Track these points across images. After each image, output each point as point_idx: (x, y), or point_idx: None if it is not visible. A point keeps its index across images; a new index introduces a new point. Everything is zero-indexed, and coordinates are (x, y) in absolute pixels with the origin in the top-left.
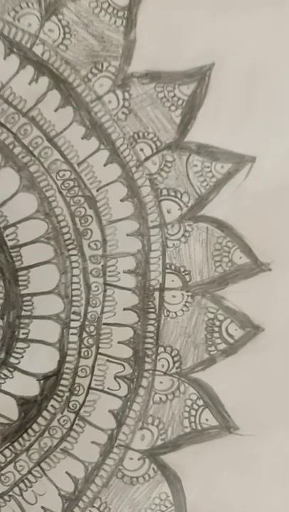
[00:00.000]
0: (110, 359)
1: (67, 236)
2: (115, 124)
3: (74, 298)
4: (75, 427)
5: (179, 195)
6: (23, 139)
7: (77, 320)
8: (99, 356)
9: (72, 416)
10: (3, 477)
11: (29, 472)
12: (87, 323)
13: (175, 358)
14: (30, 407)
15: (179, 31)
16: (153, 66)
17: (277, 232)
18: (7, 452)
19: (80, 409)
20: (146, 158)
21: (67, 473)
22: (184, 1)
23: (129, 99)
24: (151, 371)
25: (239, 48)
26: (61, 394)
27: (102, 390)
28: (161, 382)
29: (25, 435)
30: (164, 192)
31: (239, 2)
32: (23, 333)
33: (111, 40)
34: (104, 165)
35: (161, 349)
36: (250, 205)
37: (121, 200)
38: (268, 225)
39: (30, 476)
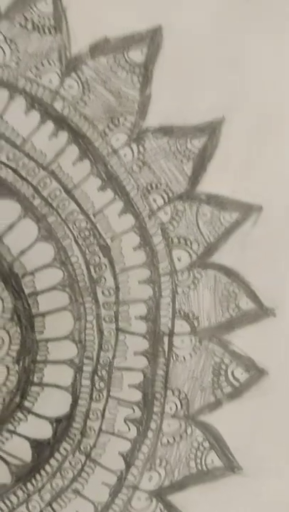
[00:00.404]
0: (121, 402)
1: (82, 283)
2: (130, 176)
3: (87, 343)
4: (85, 468)
5: (189, 244)
6: (42, 191)
7: (90, 364)
8: (110, 400)
9: (83, 458)
10: None
11: None
12: (99, 367)
13: (183, 401)
14: (43, 449)
15: (191, 87)
16: (166, 121)
17: (282, 279)
18: (20, 493)
19: (90, 451)
20: (159, 208)
21: None
22: (195, 58)
23: (144, 153)
24: (160, 414)
25: (247, 103)
26: (73, 436)
27: (112, 433)
28: (168, 425)
29: (37, 476)
30: (175, 240)
31: (247, 60)
32: (37, 378)
33: (127, 96)
34: (119, 215)
35: (169, 392)
36: (257, 252)
37: (134, 249)
38: (274, 272)
39: None
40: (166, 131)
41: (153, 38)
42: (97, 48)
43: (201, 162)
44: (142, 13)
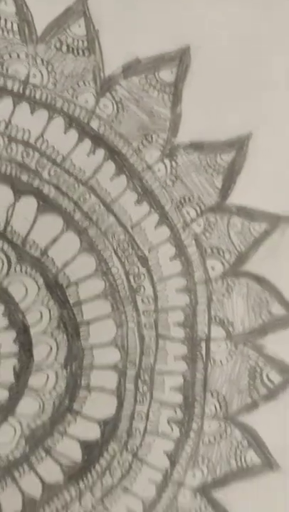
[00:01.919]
0: (163, 405)
1: (122, 293)
2: (164, 189)
3: (129, 349)
4: (133, 466)
5: (221, 253)
6: (82, 206)
7: (133, 369)
8: (153, 402)
9: (130, 457)
10: None
11: (93, 509)
12: (141, 371)
13: (222, 403)
14: (92, 450)
15: (219, 105)
16: (197, 137)
17: None
18: (72, 491)
19: (137, 450)
20: (192, 220)
21: (127, 509)
22: (223, 78)
23: (176, 167)
24: (200, 416)
25: (272, 120)
26: (120, 437)
27: (156, 433)
28: (209, 426)
29: (88, 475)
30: (208, 250)
31: (273, 80)
32: (84, 382)
33: (159, 115)
34: (155, 227)
35: (208, 394)
36: (285, 260)
37: (170, 259)
38: None
39: None
40: (196, 146)
41: (182, 58)
42: (129, 69)
43: (231, 175)
44: (171, 34)
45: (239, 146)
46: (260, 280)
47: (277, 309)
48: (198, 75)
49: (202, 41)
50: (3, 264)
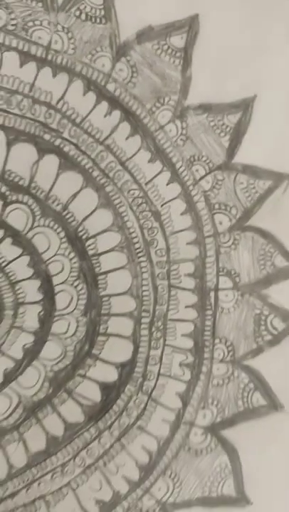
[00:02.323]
0: (175, 349)
1: (137, 245)
2: (175, 149)
3: (144, 298)
4: (148, 407)
5: (228, 209)
6: (100, 164)
7: (147, 317)
8: (166, 347)
9: (145, 398)
10: (89, 451)
11: (111, 447)
12: (155, 319)
13: (229, 348)
14: (110, 391)
15: (226, 69)
16: (205, 99)
17: None
18: (92, 430)
19: (151, 392)
20: (201, 178)
21: (142, 447)
22: (229, 43)
23: (186, 128)
24: (210, 359)
25: (277, 82)
26: (136, 379)
27: (169, 376)
28: (218, 369)
29: (106, 415)
30: (216, 206)
31: (274, 44)
32: (102, 328)
33: (171, 78)
34: (167, 184)
35: (217, 340)
36: (288, 215)
37: (181, 214)
38: None
39: (112, 450)
40: (205, 108)
41: (191, 26)
42: (143, 35)
43: (237, 136)
44: (182, 3)
45: (244, 107)
46: (264, 234)
47: (280, 261)
48: (207, 41)
49: (209, 10)
50: (28, 217)
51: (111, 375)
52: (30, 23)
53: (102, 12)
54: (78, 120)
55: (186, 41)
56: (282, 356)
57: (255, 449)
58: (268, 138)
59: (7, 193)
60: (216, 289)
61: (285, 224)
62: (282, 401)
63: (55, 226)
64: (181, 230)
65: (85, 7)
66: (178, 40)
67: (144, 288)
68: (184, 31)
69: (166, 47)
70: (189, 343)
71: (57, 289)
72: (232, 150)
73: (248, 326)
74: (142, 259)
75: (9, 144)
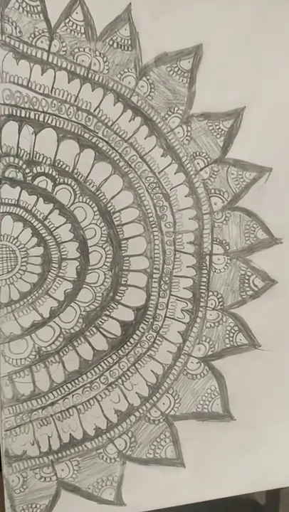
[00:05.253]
0: (178, 299)
1: (151, 219)
2: (182, 147)
3: (155, 259)
4: (156, 341)
5: (221, 193)
6: (125, 157)
7: (157, 273)
8: (171, 297)
9: (154, 334)
10: (111, 372)
11: (128, 370)
12: (163, 275)
13: (220, 299)
14: (128, 328)
15: (223, 86)
16: (206, 109)
17: (287, 218)
18: (114, 356)
19: (159, 330)
20: (201, 169)
21: (151, 370)
22: (225, 66)
23: (191, 131)
24: (204, 307)
25: (262, 97)
26: (147, 320)
27: (173, 318)
28: (210, 315)
29: (125, 346)
30: (212, 191)
31: (263, 68)
32: (123, 281)
33: (180, 93)
34: (175, 173)
35: (210, 293)
36: (268, 199)
37: (185, 196)
38: (281, 213)
39: (128, 372)
40: (205, 116)
41: (196, 52)
42: (159, 60)
43: (229, 137)
44: (189, 35)
45: (236, 115)
46: (249, 213)
47: (261, 234)
48: (208, 64)
49: (211, 40)
50: (71, 195)
51: (129, 316)
52: (76, 50)
53: (130, 42)
54: (109, 124)
55: (192, 64)
56: (260, 307)
57: (237, 377)
58: (254, 139)
59: (56, 176)
60: (211, 254)
61: (265, 206)
62: (260, 341)
63: (91, 202)
64: (185, 208)
65: (117, 38)
66: (186, 64)
67: (155, 251)
68: (190, 57)
69: (177, 69)
70: (189, 294)
71: (90, 249)
72: (225, 148)
73: (235, 283)
74: (154, 229)
75: (59, 140)
